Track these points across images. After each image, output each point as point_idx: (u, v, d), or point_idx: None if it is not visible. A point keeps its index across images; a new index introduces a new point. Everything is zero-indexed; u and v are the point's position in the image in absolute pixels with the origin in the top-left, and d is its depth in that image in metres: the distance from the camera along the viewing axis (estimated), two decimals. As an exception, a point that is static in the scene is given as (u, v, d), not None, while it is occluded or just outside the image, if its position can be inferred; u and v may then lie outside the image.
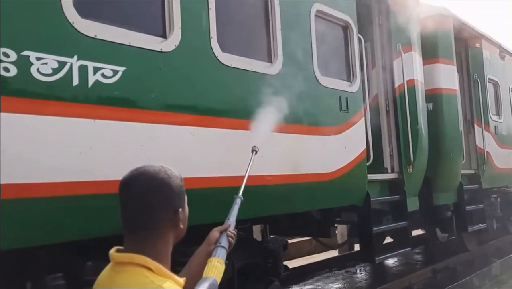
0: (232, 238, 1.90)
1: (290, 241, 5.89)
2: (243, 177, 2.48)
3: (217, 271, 1.69)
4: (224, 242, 1.86)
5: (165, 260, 1.40)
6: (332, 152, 4.36)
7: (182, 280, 1.41)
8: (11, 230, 2.27)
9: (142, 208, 1.39)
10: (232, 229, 1.96)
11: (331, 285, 7.28)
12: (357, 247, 8.95)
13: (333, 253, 9.35)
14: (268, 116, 3.20)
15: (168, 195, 1.42)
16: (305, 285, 7.17)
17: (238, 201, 2.21)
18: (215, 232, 1.90)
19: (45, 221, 2.41)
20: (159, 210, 1.40)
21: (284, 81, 3.86)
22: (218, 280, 1.65)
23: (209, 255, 1.79)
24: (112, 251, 1.40)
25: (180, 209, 1.45)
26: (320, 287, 7.10)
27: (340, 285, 7.31)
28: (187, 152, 3.10)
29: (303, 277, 7.44)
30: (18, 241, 2.32)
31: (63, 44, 2.49)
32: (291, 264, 7.35)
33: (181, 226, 1.46)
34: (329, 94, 4.37)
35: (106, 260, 1.44)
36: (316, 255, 9.52)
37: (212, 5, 3.34)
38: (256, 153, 2.72)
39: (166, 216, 1.41)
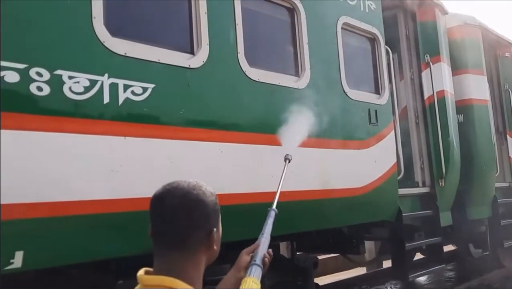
0: (267, 258, 1.73)
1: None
2: (276, 191, 2.30)
3: None
4: (259, 260, 1.69)
5: (198, 283, 1.31)
6: (362, 167, 4.27)
7: None
8: (42, 249, 2.26)
9: (176, 225, 1.30)
10: (267, 247, 1.78)
11: (362, 303, 7.10)
12: (385, 264, 8.73)
13: (361, 271, 9.12)
14: (299, 124, 3.07)
15: (203, 213, 1.34)
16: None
17: (272, 214, 2.00)
18: (245, 256, 1.73)
19: (76, 239, 2.40)
20: (193, 229, 1.32)
21: (311, 95, 3.80)
22: None
23: (239, 281, 1.64)
24: (140, 272, 1.32)
25: (215, 229, 1.36)
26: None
27: (370, 303, 7.11)
28: (215, 168, 3.07)
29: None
30: (48, 260, 2.32)
31: (94, 63, 2.51)
32: (318, 281, 7.19)
33: (215, 247, 1.37)
34: (358, 107, 4.30)
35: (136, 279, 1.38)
36: (343, 272, 9.30)
37: (239, 20, 3.33)
38: (289, 161, 2.55)
39: (200, 236, 1.33)
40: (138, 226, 2.51)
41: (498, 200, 6.97)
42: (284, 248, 5.18)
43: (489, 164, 6.71)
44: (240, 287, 1.58)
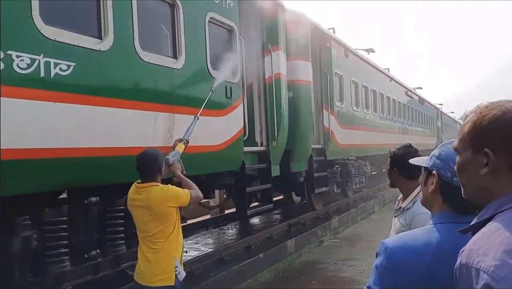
0: (185, 144, 3.89)
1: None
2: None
3: (180, 148, 3.78)
4: (187, 135, 4.10)
5: None
6: (220, 129, 5.63)
7: None
8: None
9: (150, 168, 3.13)
10: (191, 132, 4.16)
11: (208, 240, 8.67)
12: (228, 212, 10.45)
13: (207, 217, 10.69)
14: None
15: (161, 162, 3.20)
16: (186, 241, 8.43)
17: (196, 119, 4.38)
18: (177, 141, 3.93)
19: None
20: (157, 169, 3.16)
21: (186, 74, 4.97)
22: (181, 152, 3.71)
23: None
24: (135, 183, 2.98)
25: (163, 167, 3.05)
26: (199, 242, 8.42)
27: (214, 239, 8.73)
28: (113, 127, 4.08)
29: (184, 234, 8.65)
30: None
31: (34, 45, 3.30)
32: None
33: (163, 173, 3.02)
34: (219, 84, 5.59)
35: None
36: (193, 220, 10.77)
37: (135, 14, 4.29)
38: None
39: (160, 171, 3.15)
40: (63, 168, 3.48)
41: (313, 157, 9.11)
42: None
43: (308, 130, 8.73)
44: (176, 147, 3.79)
